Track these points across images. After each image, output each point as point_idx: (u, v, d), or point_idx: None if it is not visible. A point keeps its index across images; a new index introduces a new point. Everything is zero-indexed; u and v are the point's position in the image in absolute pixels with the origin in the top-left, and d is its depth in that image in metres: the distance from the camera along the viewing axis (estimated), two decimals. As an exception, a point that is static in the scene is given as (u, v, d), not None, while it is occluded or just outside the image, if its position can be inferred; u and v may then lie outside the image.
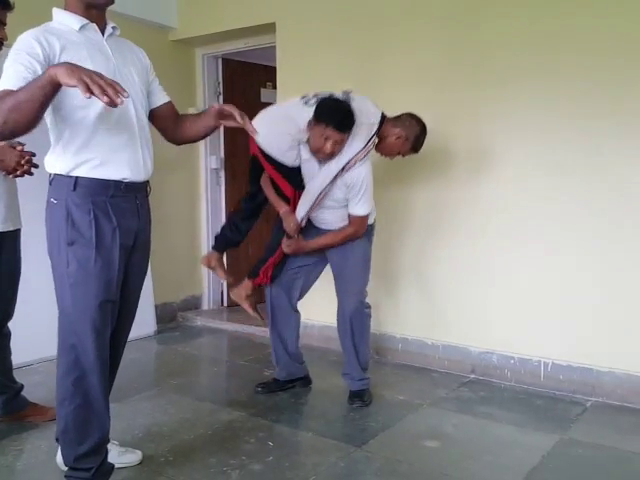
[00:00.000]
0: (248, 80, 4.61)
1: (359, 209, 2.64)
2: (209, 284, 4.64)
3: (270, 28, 3.78)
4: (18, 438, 2.38)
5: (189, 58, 4.46)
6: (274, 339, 2.92)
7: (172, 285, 4.37)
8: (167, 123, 2.02)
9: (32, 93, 1.50)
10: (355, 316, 2.74)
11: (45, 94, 1.51)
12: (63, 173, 1.75)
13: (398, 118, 2.68)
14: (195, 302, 4.60)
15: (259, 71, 4.58)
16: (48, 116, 1.72)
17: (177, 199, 4.40)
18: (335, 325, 2.83)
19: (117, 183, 1.78)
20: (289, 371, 2.95)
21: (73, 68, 1.46)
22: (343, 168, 2.54)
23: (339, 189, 2.60)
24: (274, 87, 4.07)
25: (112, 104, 1.44)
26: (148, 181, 1.95)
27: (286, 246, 2.72)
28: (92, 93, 1.43)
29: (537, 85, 2.92)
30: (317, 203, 2.63)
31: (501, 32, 3.00)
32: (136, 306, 2.02)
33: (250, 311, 2.89)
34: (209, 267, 3.01)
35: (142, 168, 1.86)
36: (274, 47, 3.78)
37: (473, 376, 3.16)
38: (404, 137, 2.65)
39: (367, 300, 2.82)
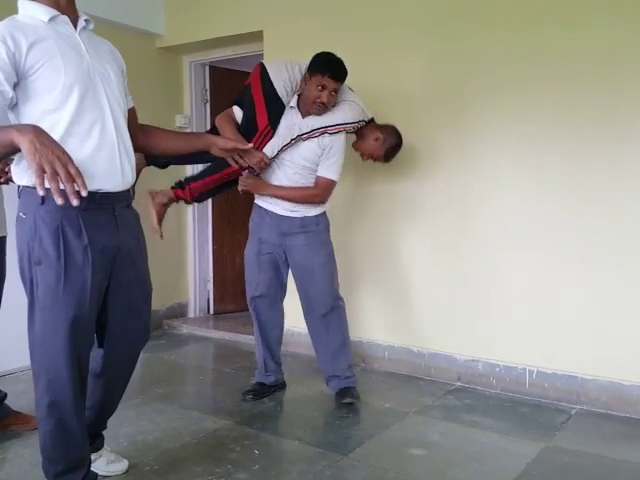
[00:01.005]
0: (235, 87, 4.57)
1: (330, 173, 2.72)
2: (195, 292, 4.62)
3: (258, 36, 3.80)
4: (1, 447, 2.35)
5: (176, 65, 4.46)
6: (262, 348, 2.95)
7: (158, 293, 4.24)
8: (131, 129, 1.86)
9: None
10: (335, 312, 2.79)
11: (3, 152, 1.43)
12: (31, 185, 1.58)
13: (383, 125, 2.87)
14: (181, 310, 4.58)
15: (246, 78, 4.56)
16: (14, 122, 1.60)
17: (164, 206, 4.37)
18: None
19: (91, 194, 1.52)
20: (277, 377, 3.00)
21: (37, 145, 1.34)
22: (324, 129, 2.64)
23: (311, 150, 2.68)
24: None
25: (66, 204, 1.33)
26: (129, 190, 1.80)
27: (244, 181, 2.70)
28: (47, 188, 1.32)
29: (522, 94, 2.95)
30: (286, 147, 2.65)
31: (486, 43, 3.03)
32: (142, 317, 1.92)
33: (155, 219, 2.68)
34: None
35: (120, 177, 1.70)
36: (262, 55, 3.79)
37: (459, 384, 3.17)
38: (382, 141, 2.83)
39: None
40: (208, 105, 4.55)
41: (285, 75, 2.67)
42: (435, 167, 3.22)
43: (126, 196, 1.79)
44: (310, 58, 2.65)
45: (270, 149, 2.64)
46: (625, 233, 2.74)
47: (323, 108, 2.61)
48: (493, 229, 3.09)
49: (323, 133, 2.67)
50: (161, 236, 2.64)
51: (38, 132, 1.39)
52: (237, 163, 2.12)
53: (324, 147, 2.69)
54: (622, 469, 2.26)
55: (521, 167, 2.99)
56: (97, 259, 1.67)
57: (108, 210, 1.71)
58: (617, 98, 2.74)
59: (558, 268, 2.92)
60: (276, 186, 2.73)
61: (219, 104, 4.56)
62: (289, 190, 2.73)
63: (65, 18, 1.64)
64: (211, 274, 4.66)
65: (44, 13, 1.60)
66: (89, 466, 1.87)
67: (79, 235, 1.63)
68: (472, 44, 3.08)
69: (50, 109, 1.56)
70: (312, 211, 2.78)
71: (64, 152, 1.38)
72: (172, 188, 2.75)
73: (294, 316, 3.17)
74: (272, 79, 2.64)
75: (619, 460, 2.33)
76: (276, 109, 2.65)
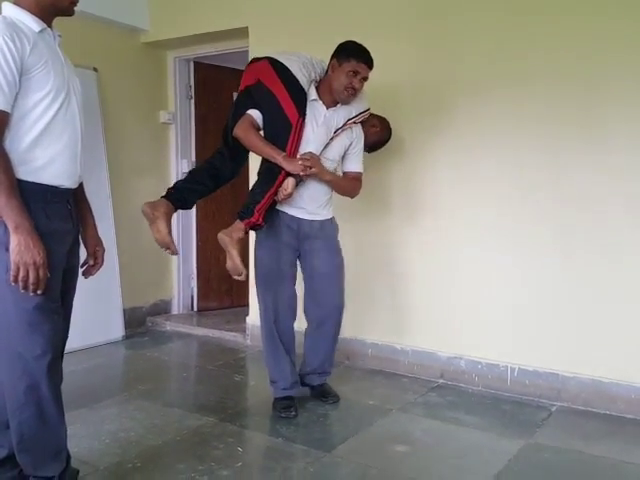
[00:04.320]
0: (220, 83, 4.59)
1: (360, 165, 2.73)
2: (179, 288, 4.59)
3: (243, 33, 3.78)
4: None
5: (161, 61, 4.42)
6: (284, 360, 2.71)
7: (141, 289, 4.32)
8: None
9: None
10: (338, 319, 2.77)
11: None
12: None
13: (379, 115, 2.90)
14: (165, 306, 4.55)
15: (232, 75, 4.55)
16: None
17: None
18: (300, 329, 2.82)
19: (54, 188, 1.74)
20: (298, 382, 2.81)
21: (22, 247, 1.59)
22: (354, 118, 2.61)
23: (341, 144, 2.64)
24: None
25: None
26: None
27: (304, 160, 2.44)
28: (16, 282, 1.60)
29: (506, 103, 2.98)
30: (327, 145, 2.58)
31: (470, 52, 3.05)
32: (71, 308, 1.97)
33: (237, 261, 2.51)
34: (150, 216, 2.56)
35: (77, 176, 1.85)
36: (247, 51, 3.78)
37: (442, 381, 3.19)
38: (378, 131, 2.88)
39: None
40: (192, 101, 4.52)
41: (299, 61, 2.58)
42: (414, 166, 3.24)
43: (78, 191, 1.92)
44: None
45: (314, 151, 2.53)
46: (605, 232, 2.78)
47: (354, 95, 2.55)
48: (475, 229, 3.11)
49: (353, 123, 2.64)
50: (247, 273, 2.60)
51: (28, 234, 1.62)
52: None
53: (352, 139, 2.66)
54: (602, 465, 2.30)
55: (504, 169, 3.02)
56: (61, 245, 1.78)
57: (64, 204, 1.83)
58: (597, 98, 2.77)
59: (539, 267, 2.95)
60: (332, 173, 2.64)
61: (203, 100, 4.55)
62: (342, 179, 2.71)
63: (49, 31, 1.77)
64: (195, 271, 4.64)
65: (35, 24, 1.71)
66: (69, 461, 1.86)
67: (47, 222, 1.73)
68: (455, 44, 3.10)
69: (37, 108, 1.69)
70: (329, 214, 2.73)
71: (41, 257, 1.63)
72: (240, 220, 2.54)
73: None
74: (289, 68, 2.54)
75: (599, 457, 2.36)
76: (301, 98, 2.53)
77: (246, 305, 4.03)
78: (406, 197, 3.30)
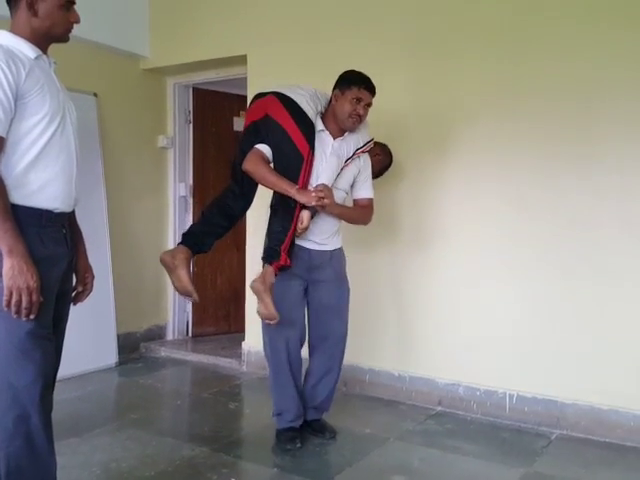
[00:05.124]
0: (220, 109, 4.63)
1: (371, 191, 2.73)
2: (174, 313, 4.56)
3: (242, 60, 3.82)
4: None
5: (160, 86, 4.46)
6: (294, 392, 2.65)
7: (135, 314, 4.28)
8: None
9: None
10: (345, 339, 2.74)
11: None
12: None
13: (381, 142, 3.01)
14: (159, 332, 4.51)
15: (231, 100, 4.60)
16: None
17: (144, 226, 4.35)
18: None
19: (49, 212, 1.73)
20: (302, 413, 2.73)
21: (15, 272, 1.58)
22: (363, 147, 2.63)
23: (351, 172, 2.65)
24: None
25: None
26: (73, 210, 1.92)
27: (317, 191, 2.42)
28: (9, 307, 1.58)
29: (502, 125, 3.01)
30: (337, 175, 2.58)
31: (469, 74, 3.09)
32: (64, 335, 1.93)
33: (272, 308, 2.42)
34: (170, 265, 2.52)
35: (73, 200, 1.85)
36: (245, 78, 3.81)
37: (440, 408, 3.15)
38: (381, 159, 3.03)
39: None
40: (191, 126, 4.56)
41: (306, 94, 2.58)
42: (408, 192, 3.26)
43: (71, 215, 1.91)
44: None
45: (327, 181, 2.52)
46: (605, 258, 2.77)
47: (358, 122, 2.56)
48: (473, 254, 3.10)
49: (361, 152, 2.65)
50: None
51: (22, 258, 1.61)
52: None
53: (360, 167, 2.67)
54: (603, 496, 2.26)
55: (502, 197, 3.03)
56: (55, 270, 1.76)
57: (59, 228, 1.82)
58: (586, 119, 2.80)
59: (537, 294, 2.94)
60: (342, 205, 2.64)
61: (202, 125, 4.58)
62: (351, 210, 2.72)
63: (44, 57, 1.78)
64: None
65: (31, 51, 1.73)
66: None
67: (42, 247, 1.71)
68: (452, 69, 3.13)
69: (32, 132, 1.69)
70: (338, 243, 2.71)
71: (35, 280, 1.62)
72: (269, 264, 2.47)
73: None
74: (297, 101, 2.54)
75: (599, 486, 2.32)
76: (310, 131, 2.52)
77: (243, 331, 3.99)
78: (397, 224, 3.30)
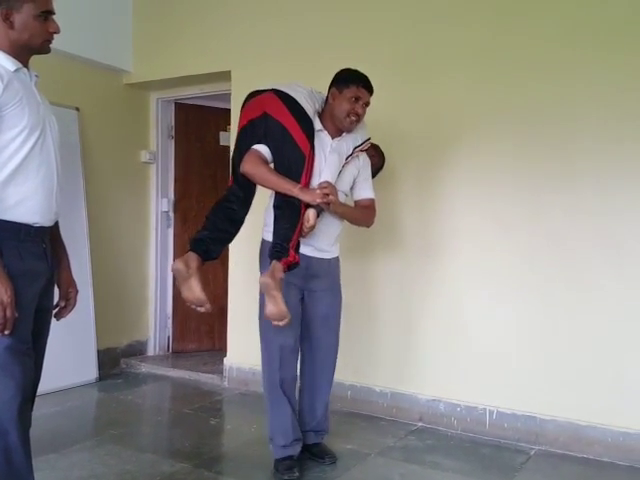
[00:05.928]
0: (204, 123, 4.63)
1: (372, 191, 2.67)
2: (155, 329, 4.52)
3: (226, 76, 3.85)
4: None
5: (143, 101, 4.47)
6: (289, 412, 2.54)
7: (116, 329, 4.24)
8: None
9: None
10: (337, 349, 2.71)
11: None
12: None
13: (375, 144, 2.92)
14: (140, 347, 4.47)
15: (217, 114, 4.57)
16: None
17: (125, 241, 4.32)
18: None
19: (28, 227, 1.72)
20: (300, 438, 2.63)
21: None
22: (361, 145, 2.58)
23: (351, 173, 2.59)
24: (234, 131, 4.09)
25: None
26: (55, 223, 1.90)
27: (322, 188, 2.34)
28: None
29: (484, 145, 3.07)
30: (339, 174, 2.51)
31: (451, 91, 3.16)
32: (44, 351, 1.91)
33: (283, 306, 2.24)
34: (184, 274, 2.37)
35: (53, 214, 1.83)
36: (229, 94, 3.84)
37: (420, 424, 3.17)
38: (376, 161, 2.96)
39: None
40: (173, 141, 4.57)
41: (304, 92, 2.52)
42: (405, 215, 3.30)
43: (51, 229, 1.88)
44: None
45: (329, 179, 2.43)
46: (585, 275, 2.83)
47: (357, 121, 2.50)
48: (454, 274, 3.14)
49: (360, 151, 2.61)
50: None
51: (3, 282, 1.60)
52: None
53: (359, 167, 2.62)
54: (580, 510, 2.28)
55: (485, 216, 3.08)
56: (34, 285, 1.75)
57: (39, 242, 1.80)
58: (571, 147, 2.87)
59: (517, 310, 2.98)
60: (345, 205, 2.57)
61: (185, 140, 4.59)
62: (356, 209, 2.66)
63: (24, 70, 1.77)
64: (171, 311, 4.58)
65: (10, 64, 1.72)
66: None
67: (20, 262, 1.70)
68: (435, 89, 3.20)
69: (10, 145, 1.68)
70: (336, 251, 2.66)
71: (9, 296, 1.61)
72: (277, 260, 2.32)
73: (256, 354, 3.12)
74: (296, 98, 2.45)
75: (577, 501, 2.35)
76: (310, 129, 2.43)
77: (225, 349, 3.95)
78: (385, 243, 3.33)
